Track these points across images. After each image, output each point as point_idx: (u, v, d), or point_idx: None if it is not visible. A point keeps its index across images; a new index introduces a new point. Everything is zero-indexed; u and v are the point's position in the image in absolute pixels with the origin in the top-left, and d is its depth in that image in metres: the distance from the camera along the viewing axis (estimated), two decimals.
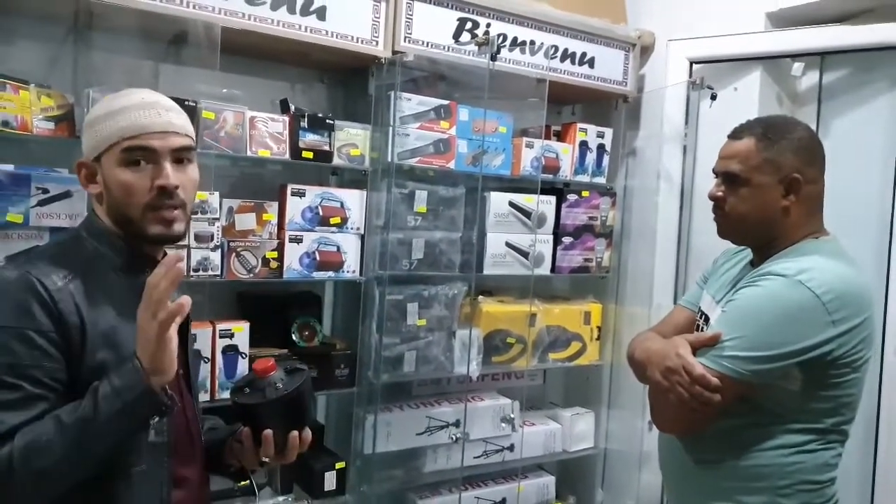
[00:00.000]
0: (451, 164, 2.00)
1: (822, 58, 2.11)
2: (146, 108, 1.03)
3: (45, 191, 1.51)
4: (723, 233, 1.33)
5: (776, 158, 1.23)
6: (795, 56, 2.10)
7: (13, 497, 0.92)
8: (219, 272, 1.73)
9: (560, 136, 2.29)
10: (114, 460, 0.98)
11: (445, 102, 1.98)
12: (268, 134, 1.80)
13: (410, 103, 1.91)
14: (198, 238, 1.71)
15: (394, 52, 1.86)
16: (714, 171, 1.32)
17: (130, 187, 1.02)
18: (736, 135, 1.30)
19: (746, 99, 2.07)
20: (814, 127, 2.08)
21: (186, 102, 1.66)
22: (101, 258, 1.04)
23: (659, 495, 2.26)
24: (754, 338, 1.18)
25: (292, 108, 1.85)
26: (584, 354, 2.32)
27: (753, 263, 1.33)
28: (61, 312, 0.95)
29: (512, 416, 2.16)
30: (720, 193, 1.30)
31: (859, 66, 2.07)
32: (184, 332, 1.13)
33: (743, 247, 1.40)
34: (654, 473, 2.25)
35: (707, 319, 1.36)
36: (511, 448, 2.20)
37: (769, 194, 1.24)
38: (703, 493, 1.30)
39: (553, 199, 2.22)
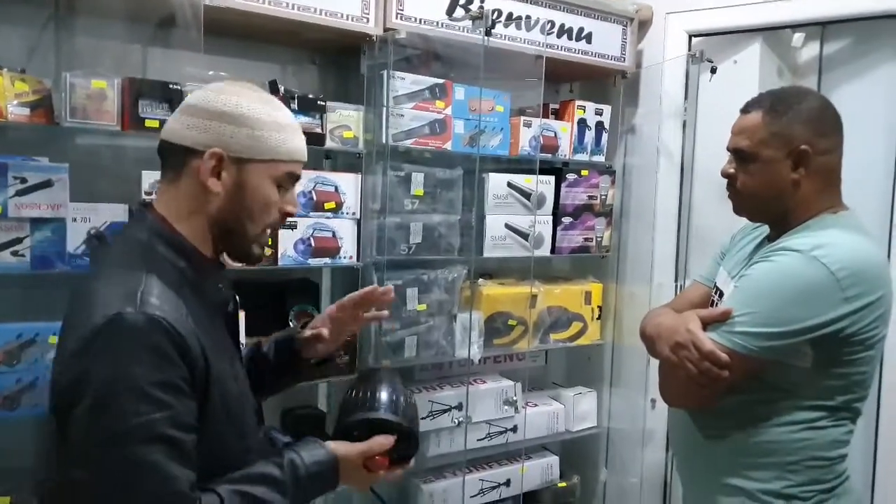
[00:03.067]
0: (448, 145, 1.96)
1: (822, 28, 2.07)
2: (299, 133, 1.04)
3: (24, 180, 1.46)
4: (737, 210, 1.31)
5: (783, 131, 1.20)
6: (795, 26, 2.06)
7: None
8: None
9: (558, 115, 2.25)
10: None
11: (440, 81, 1.92)
12: None
13: (404, 83, 1.86)
14: None
15: (385, 30, 1.80)
16: (727, 148, 1.29)
17: (271, 206, 1.01)
18: (746, 109, 1.27)
19: (746, 72, 2.03)
20: None
21: (171, 86, 1.62)
22: (179, 272, 0.96)
23: (663, 473, 2.26)
24: (766, 314, 1.15)
25: (281, 89, 1.80)
26: (585, 334, 2.30)
27: (770, 239, 1.31)
28: (191, 353, 0.90)
29: (514, 397, 2.14)
30: (732, 170, 1.28)
31: (860, 36, 2.03)
32: (233, 323, 1.13)
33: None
34: (657, 451, 2.26)
35: (722, 295, 1.34)
36: (514, 430, 2.19)
37: (778, 169, 1.21)
38: (711, 467, 1.30)
39: (552, 178, 2.18)
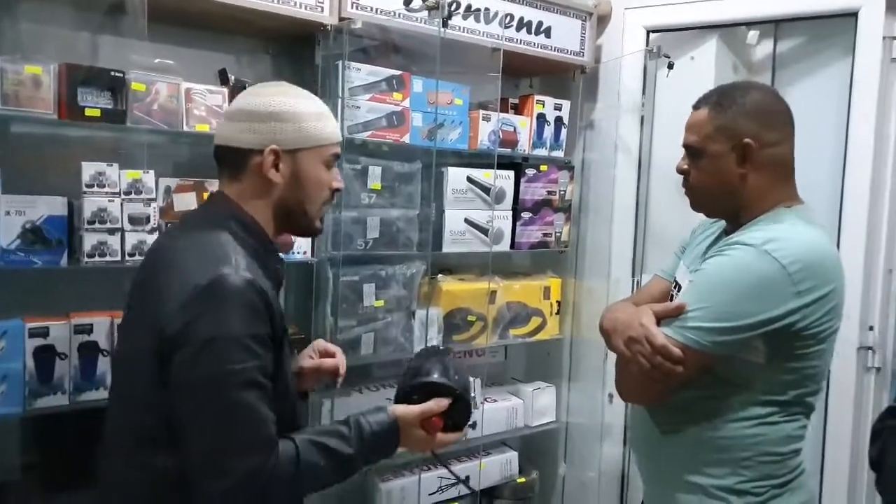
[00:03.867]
0: (406, 138, 1.92)
1: (776, 25, 2.10)
2: (332, 117, 1.18)
3: None
4: (694, 206, 1.31)
5: (728, 125, 1.20)
6: (750, 24, 2.08)
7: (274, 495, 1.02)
8: None
9: (517, 110, 2.23)
10: None
11: (398, 73, 1.88)
12: (206, 107, 1.68)
13: (360, 73, 1.82)
14: (132, 220, 1.59)
15: (341, 19, 1.75)
16: (682, 144, 1.30)
17: (324, 185, 1.16)
18: (696, 105, 1.28)
19: (703, 68, 2.05)
20: None
21: (112, 73, 1.55)
22: (251, 248, 1.10)
23: (620, 466, 2.27)
24: (718, 308, 1.15)
25: (232, 78, 1.74)
26: (544, 329, 2.29)
27: (727, 233, 1.31)
28: (273, 314, 1.05)
29: (473, 393, 2.12)
30: (685, 167, 1.28)
31: (813, 34, 2.07)
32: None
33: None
34: (615, 445, 2.27)
35: (680, 289, 1.34)
36: (473, 426, 2.17)
37: (724, 163, 1.21)
38: (669, 463, 1.30)
39: (511, 173, 2.17)
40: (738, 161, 1.20)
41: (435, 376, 1.23)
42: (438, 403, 1.20)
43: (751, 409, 1.20)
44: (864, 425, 1.84)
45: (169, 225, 1.64)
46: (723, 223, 1.35)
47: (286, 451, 1.03)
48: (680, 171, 1.29)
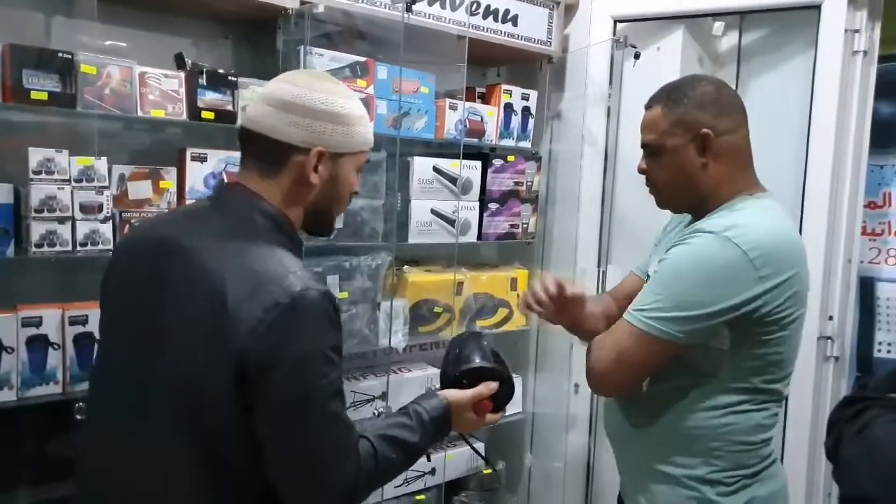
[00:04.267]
0: (371, 127, 1.88)
1: (741, 17, 2.11)
2: (368, 120, 1.16)
3: None
4: (659, 204, 1.32)
5: (683, 118, 1.21)
6: (716, 15, 2.09)
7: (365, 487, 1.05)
8: (110, 246, 1.56)
9: (485, 99, 2.21)
10: None
11: (362, 59, 1.84)
12: (161, 92, 1.62)
13: (322, 59, 1.77)
14: (84, 209, 1.53)
15: (302, 3, 1.71)
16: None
17: (353, 189, 1.15)
18: (647, 105, 1.29)
19: (669, 59, 2.05)
20: (733, 87, 2.10)
21: (61, 54, 1.48)
22: (291, 253, 1.07)
23: (586, 457, 2.28)
24: (680, 297, 1.15)
25: (188, 63, 1.68)
26: (511, 321, 2.28)
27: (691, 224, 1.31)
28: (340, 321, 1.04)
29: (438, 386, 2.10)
30: (644, 166, 1.29)
31: (777, 27, 2.08)
32: None
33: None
34: (581, 435, 2.28)
35: None
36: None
37: (684, 156, 1.22)
38: (642, 454, 1.30)
39: (479, 164, 2.14)
40: (698, 151, 1.21)
41: (479, 361, 1.28)
42: (488, 387, 1.24)
43: (719, 398, 1.21)
44: (823, 414, 1.87)
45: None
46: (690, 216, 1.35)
47: (365, 450, 1.05)
48: (641, 171, 1.30)
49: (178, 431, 0.98)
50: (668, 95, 1.24)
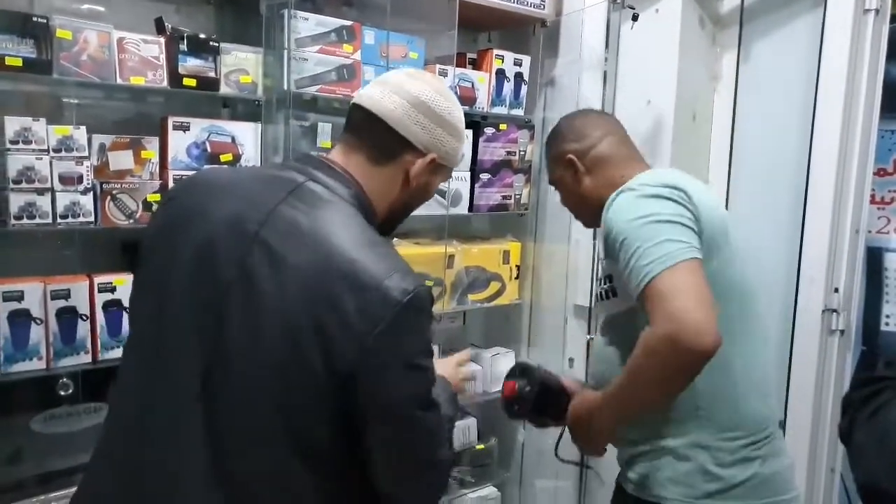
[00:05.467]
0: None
1: None
2: None
3: None
4: (584, 225, 1.51)
5: (555, 154, 1.42)
6: None
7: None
8: (92, 218, 1.53)
9: (476, 65, 2.15)
10: None
11: (348, 23, 1.78)
12: (140, 58, 1.57)
13: (308, 23, 1.71)
14: (63, 179, 1.49)
15: None
16: None
17: (428, 200, 1.15)
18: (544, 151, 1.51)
19: (668, 21, 1.97)
20: (735, 50, 2.04)
21: (35, 18, 1.43)
22: None
23: None
24: (652, 230, 1.12)
25: (168, 27, 1.62)
26: (503, 294, 2.25)
27: None
28: None
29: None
30: (559, 199, 1.48)
31: None
32: None
33: None
34: None
35: (609, 278, 1.30)
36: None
37: (568, 182, 1.41)
38: (634, 432, 1.27)
39: (470, 132, 2.09)
40: (572, 175, 1.39)
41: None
42: (467, 353, 1.34)
43: None
44: (827, 389, 1.83)
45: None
46: None
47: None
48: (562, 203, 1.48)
49: (281, 442, 0.89)
50: (546, 141, 1.48)
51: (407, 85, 1.03)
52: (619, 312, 1.27)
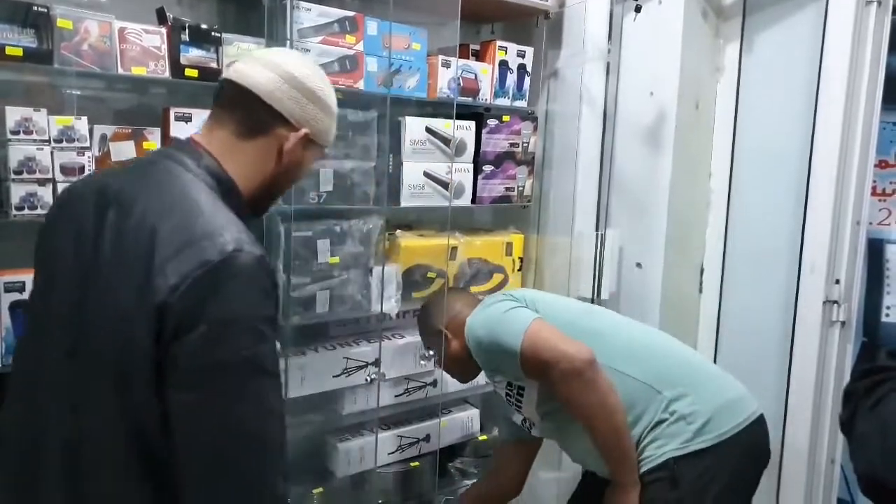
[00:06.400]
0: (360, 85, 1.82)
1: None
2: None
3: None
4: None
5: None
6: None
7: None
8: None
9: (479, 56, 2.14)
10: None
11: (351, 14, 1.77)
12: (142, 49, 1.56)
13: (310, 14, 1.70)
14: (64, 170, 1.49)
15: None
16: None
17: (300, 180, 1.19)
18: None
19: (671, 13, 1.97)
20: (737, 42, 2.03)
21: (36, 7, 1.42)
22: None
23: None
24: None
25: (170, 17, 1.61)
26: (506, 286, 2.25)
27: None
28: (278, 297, 0.99)
29: (432, 352, 2.08)
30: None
31: None
32: None
33: None
34: None
35: None
36: (434, 384, 2.14)
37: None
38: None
39: (472, 124, 2.08)
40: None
41: None
42: None
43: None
44: (827, 381, 1.84)
45: (112, 168, 1.50)
46: None
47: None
48: None
49: (105, 399, 0.91)
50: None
51: (279, 60, 1.05)
52: (541, 398, 1.56)
